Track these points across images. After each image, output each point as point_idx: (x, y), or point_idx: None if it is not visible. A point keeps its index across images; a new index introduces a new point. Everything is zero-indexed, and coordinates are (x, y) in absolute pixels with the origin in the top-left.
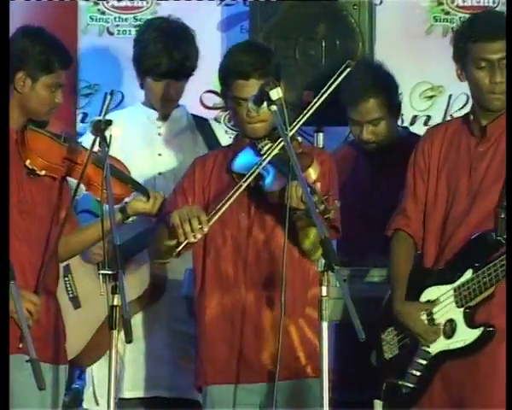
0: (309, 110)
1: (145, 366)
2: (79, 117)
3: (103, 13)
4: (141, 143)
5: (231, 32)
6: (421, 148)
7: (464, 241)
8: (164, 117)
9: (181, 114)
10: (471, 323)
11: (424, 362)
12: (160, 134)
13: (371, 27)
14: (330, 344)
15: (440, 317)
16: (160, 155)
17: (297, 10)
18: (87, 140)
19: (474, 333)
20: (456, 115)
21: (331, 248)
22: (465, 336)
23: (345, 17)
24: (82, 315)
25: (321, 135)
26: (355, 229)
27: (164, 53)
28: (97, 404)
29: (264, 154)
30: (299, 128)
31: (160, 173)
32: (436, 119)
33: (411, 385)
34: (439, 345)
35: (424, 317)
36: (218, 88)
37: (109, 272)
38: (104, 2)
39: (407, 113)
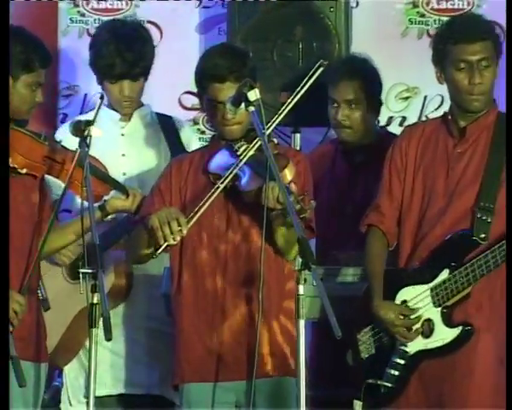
0: (284, 110)
1: (116, 363)
2: (59, 117)
3: (83, 15)
4: (104, 144)
5: (209, 34)
6: (398, 146)
7: (440, 240)
8: (127, 117)
9: (144, 114)
10: (449, 322)
11: (402, 362)
12: (123, 134)
13: (347, 29)
14: (307, 342)
15: (417, 317)
16: (123, 155)
17: (274, 13)
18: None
19: (453, 332)
20: (431, 116)
21: (308, 248)
22: (443, 335)
23: (322, 19)
24: (51, 316)
25: (298, 136)
26: (332, 227)
27: (116, 54)
28: (70, 404)
29: (241, 155)
30: (274, 128)
31: (124, 174)
32: (411, 119)
33: (390, 385)
34: (417, 345)
35: (400, 321)
36: (196, 89)
37: (89, 271)
38: (84, 4)
39: (383, 113)
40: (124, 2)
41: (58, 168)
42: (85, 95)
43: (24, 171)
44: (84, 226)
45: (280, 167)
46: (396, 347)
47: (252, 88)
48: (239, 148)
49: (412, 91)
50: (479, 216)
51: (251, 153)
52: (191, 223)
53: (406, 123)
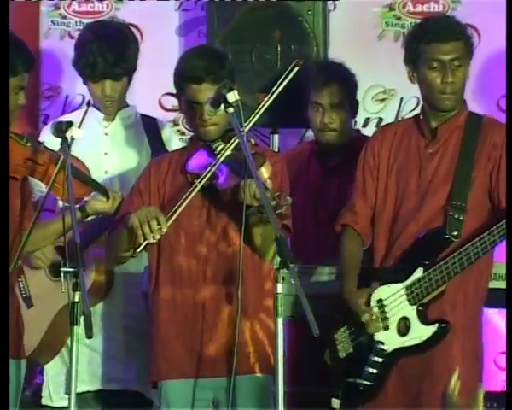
0: (260, 109)
1: (94, 360)
2: (41, 118)
3: (64, 17)
4: (88, 143)
5: (189, 37)
6: (371, 146)
7: (413, 238)
8: (110, 117)
9: (129, 114)
10: (425, 320)
11: (380, 360)
12: (106, 134)
13: (325, 32)
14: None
15: (393, 315)
16: (106, 153)
17: (253, 15)
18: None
19: (429, 330)
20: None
21: (286, 247)
22: (420, 333)
23: (299, 22)
24: (33, 314)
25: (276, 136)
26: (305, 228)
27: (98, 54)
28: (52, 400)
29: (218, 154)
30: (251, 127)
31: (106, 172)
32: (388, 121)
33: (368, 383)
34: (394, 343)
35: (376, 309)
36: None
37: (70, 270)
38: (65, 6)
39: (360, 115)
40: (105, 5)
41: (40, 170)
42: (67, 96)
43: None
44: (65, 226)
45: (256, 165)
46: (374, 345)
47: (231, 90)
48: (216, 148)
49: (389, 93)
50: (451, 214)
51: (228, 152)
52: (170, 221)
53: (383, 124)
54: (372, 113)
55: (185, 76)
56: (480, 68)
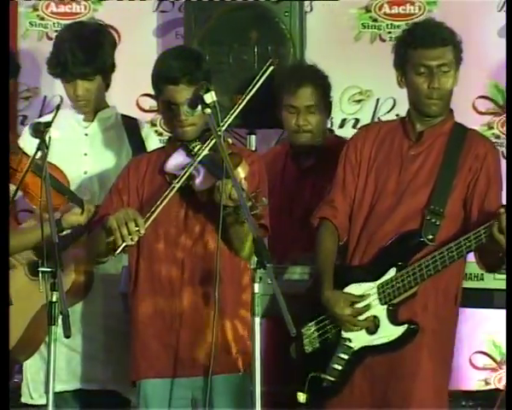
0: (236, 109)
1: (73, 359)
2: (19, 119)
3: (42, 18)
4: (68, 143)
5: (166, 38)
6: (353, 144)
7: (388, 237)
8: (90, 118)
9: (108, 115)
10: (394, 320)
11: (346, 357)
12: (86, 134)
13: (302, 33)
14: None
15: (364, 313)
16: (85, 154)
17: (230, 17)
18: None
19: (398, 330)
20: (383, 119)
21: (263, 246)
22: (389, 332)
23: (276, 23)
24: (12, 312)
25: (253, 137)
26: (281, 228)
27: (68, 53)
28: (31, 398)
29: (196, 155)
30: (229, 127)
31: (85, 172)
32: (364, 122)
33: (333, 379)
34: (361, 340)
35: (349, 310)
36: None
37: (48, 270)
38: (43, 8)
39: (336, 116)
40: (82, 6)
41: (18, 177)
42: (45, 97)
43: None
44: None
45: (233, 165)
46: (340, 342)
47: (208, 91)
48: (194, 148)
49: (365, 94)
50: (428, 218)
51: (205, 153)
52: (148, 223)
53: (359, 125)
54: (349, 114)
55: (162, 77)
56: None
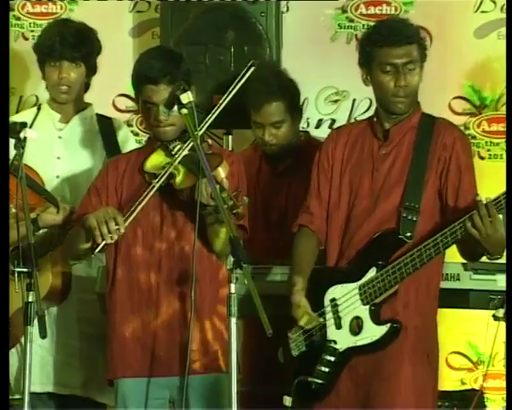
0: (216, 110)
1: (46, 362)
2: None
3: (18, 19)
4: (41, 147)
5: (143, 38)
6: (325, 148)
7: (366, 239)
8: (67, 119)
9: (84, 117)
10: (377, 320)
11: (332, 359)
12: (60, 137)
13: (278, 34)
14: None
15: (346, 314)
16: (58, 158)
17: (207, 17)
18: None
19: (381, 329)
20: (360, 119)
21: (240, 247)
22: (372, 332)
23: (253, 24)
24: None
25: (230, 137)
26: (256, 230)
27: (57, 35)
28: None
29: (175, 154)
30: (207, 128)
31: (57, 176)
32: (340, 122)
33: (320, 381)
34: (346, 342)
35: (330, 315)
36: (130, 92)
37: (24, 270)
38: (20, 8)
39: (313, 116)
40: (58, 6)
41: None
42: (21, 97)
43: None
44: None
45: (214, 165)
46: (326, 344)
47: (184, 91)
48: (173, 148)
49: (341, 95)
50: (404, 215)
51: (185, 152)
52: (128, 222)
53: (335, 125)
54: (325, 114)
55: (142, 76)
56: (432, 70)
